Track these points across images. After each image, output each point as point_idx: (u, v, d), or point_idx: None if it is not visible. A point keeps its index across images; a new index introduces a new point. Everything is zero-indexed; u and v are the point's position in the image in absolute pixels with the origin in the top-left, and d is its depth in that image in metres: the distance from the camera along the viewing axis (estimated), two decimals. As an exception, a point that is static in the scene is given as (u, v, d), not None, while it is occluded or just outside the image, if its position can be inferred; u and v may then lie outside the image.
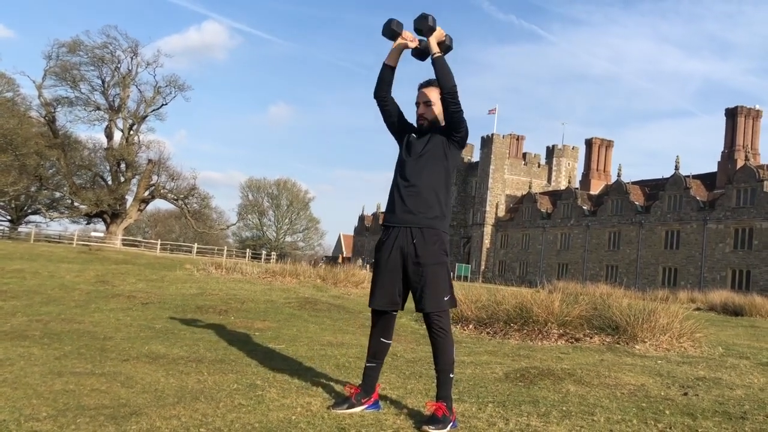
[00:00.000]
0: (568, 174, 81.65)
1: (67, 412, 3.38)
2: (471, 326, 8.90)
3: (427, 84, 3.92)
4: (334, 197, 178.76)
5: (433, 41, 3.75)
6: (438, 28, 3.77)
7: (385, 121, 4.01)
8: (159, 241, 56.97)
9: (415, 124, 3.99)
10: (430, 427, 3.39)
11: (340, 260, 78.41)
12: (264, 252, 68.73)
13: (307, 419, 3.52)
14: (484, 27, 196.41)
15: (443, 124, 3.88)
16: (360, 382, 3.94)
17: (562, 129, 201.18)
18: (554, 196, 72.88)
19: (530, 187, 75.59)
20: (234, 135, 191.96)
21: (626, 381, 5.06)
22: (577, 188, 72.05)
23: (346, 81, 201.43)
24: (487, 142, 79.38)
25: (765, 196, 49.04)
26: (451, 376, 3.63)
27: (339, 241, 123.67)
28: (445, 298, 3.64)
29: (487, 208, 77.49)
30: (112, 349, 5.55)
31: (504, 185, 78.46)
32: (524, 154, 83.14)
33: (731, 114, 58.36)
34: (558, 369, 5.35)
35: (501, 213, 77.46)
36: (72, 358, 5.07)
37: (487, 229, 77.28)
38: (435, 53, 3.73)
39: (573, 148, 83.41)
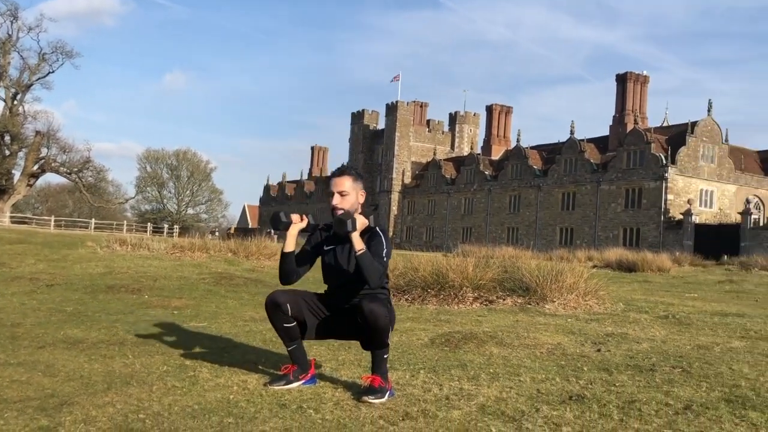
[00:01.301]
0: (470, 140, 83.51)
1: (-9, 407, 3.22)
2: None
3: (340, 173, 3.86)
4: (237, 167, 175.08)
5: (356, 237, 3.63)
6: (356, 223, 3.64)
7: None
8: (53, 218, 54.03)
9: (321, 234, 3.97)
10: (369, 396, 3.47)
11: (253, 233, 77.20)
12: (166, 226, 66.59)
13: (245, 398, 3.51)
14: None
15: (363, 220, 3.76)
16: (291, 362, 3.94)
17: (464, 96, 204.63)
18: (458, 162, 74.49)
19: (435, 154, 76.86)
20: (127, 105, 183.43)
21: (544, 341, 5.35)
22: (479, 154, 73.97)
23: (244, 47, 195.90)
24: (392, 110, 79.82)
25: (652, 157, 52.13)
26: (386, 356, 3.70)
27: (244, 211, 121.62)
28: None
29: (394, 176, 78.26)
30: (24, 336, 5.29)
31: (410, 152, 79.36)
32: (428, 121, 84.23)
33: (621, 80, 61.36)
34: (480, 332, 5.57)
35: (407, 180, 78.46)
36: (-20, 348, 4.80)
37: (395, 196, 78.17)
38: (358, 251, 3.61)
39: (474, 115, 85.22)
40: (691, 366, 4.49)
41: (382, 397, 3.49)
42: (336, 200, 3.81)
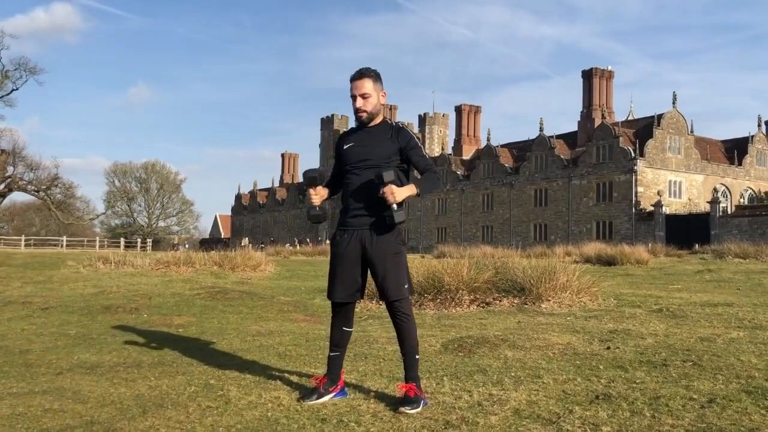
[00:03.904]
0: (441, 140, 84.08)
1: (36, 438, 3.23)
2: (375, 300, 9.14)
3: (360, 75, 3.82)
4: (206, 177, 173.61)
5: (401, 190, 3.60)
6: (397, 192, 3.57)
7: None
8: (23, 237, 52.96)
9: (353, 121, 4.03)
10: (406, 407, 3.54)
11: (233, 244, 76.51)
12: (139, 240, 65.78)
13: (283, 414, 3.57)
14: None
15: (381, 117, 3.91)
16: (324, 372, 4.02)
17: (432, 97, 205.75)
18: (429, 162, 74.82)
19: (406, 156, 77.11)
20: (92, 119, 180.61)
21: (553, 341, 5.48)
22: (450, 154, 74.45)
23: (204, 56, 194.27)
24: (360, 113, 79.93)
25: (621, 151, 53.05)
26: (417, 357, 3.80)
27: (216, 222, 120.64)
28: (405, 286, 3.78)
29: (366, 179, 78.33)
30: (38, 363, 5.27)
31: (380, 155, 79.50)
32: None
33: (587, 75, 62.31)
34: (491, 336, 5.68)
35: (379, 183, 78.55)
36: (-2, 377, 4.77)
37: (367, 200, 78.22)
38: (416, 194, 3.70)
39: (444, 115, 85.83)
40: (701, 359, 4.66)
41: (417, 406, 3.57)
42: (359, 103, 3.77)
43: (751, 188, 58.54)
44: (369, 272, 3.86)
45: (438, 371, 4.57)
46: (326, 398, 3.83)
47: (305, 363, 5.10)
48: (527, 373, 4.41)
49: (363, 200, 3.81)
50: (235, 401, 3.88)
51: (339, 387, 3.93)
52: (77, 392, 4.21)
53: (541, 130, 60.59)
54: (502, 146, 66.21)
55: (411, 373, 3.75)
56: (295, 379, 4.47)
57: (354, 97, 3.84)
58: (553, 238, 55.20)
